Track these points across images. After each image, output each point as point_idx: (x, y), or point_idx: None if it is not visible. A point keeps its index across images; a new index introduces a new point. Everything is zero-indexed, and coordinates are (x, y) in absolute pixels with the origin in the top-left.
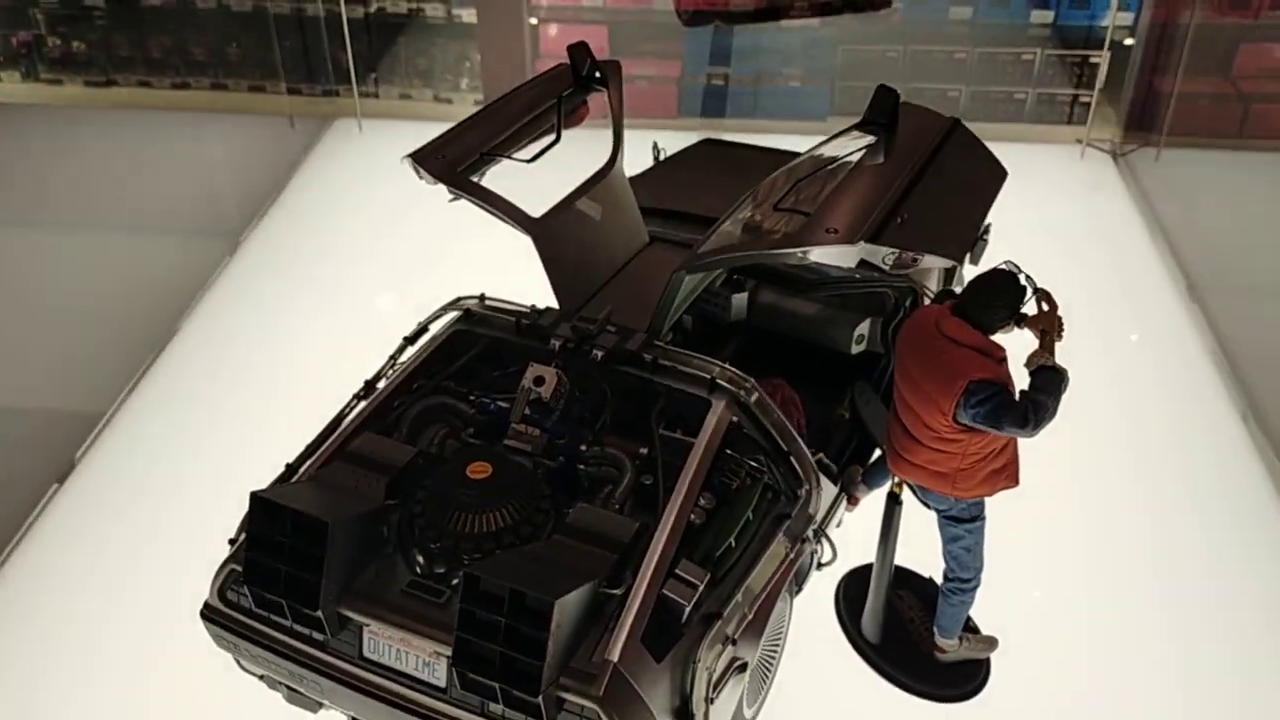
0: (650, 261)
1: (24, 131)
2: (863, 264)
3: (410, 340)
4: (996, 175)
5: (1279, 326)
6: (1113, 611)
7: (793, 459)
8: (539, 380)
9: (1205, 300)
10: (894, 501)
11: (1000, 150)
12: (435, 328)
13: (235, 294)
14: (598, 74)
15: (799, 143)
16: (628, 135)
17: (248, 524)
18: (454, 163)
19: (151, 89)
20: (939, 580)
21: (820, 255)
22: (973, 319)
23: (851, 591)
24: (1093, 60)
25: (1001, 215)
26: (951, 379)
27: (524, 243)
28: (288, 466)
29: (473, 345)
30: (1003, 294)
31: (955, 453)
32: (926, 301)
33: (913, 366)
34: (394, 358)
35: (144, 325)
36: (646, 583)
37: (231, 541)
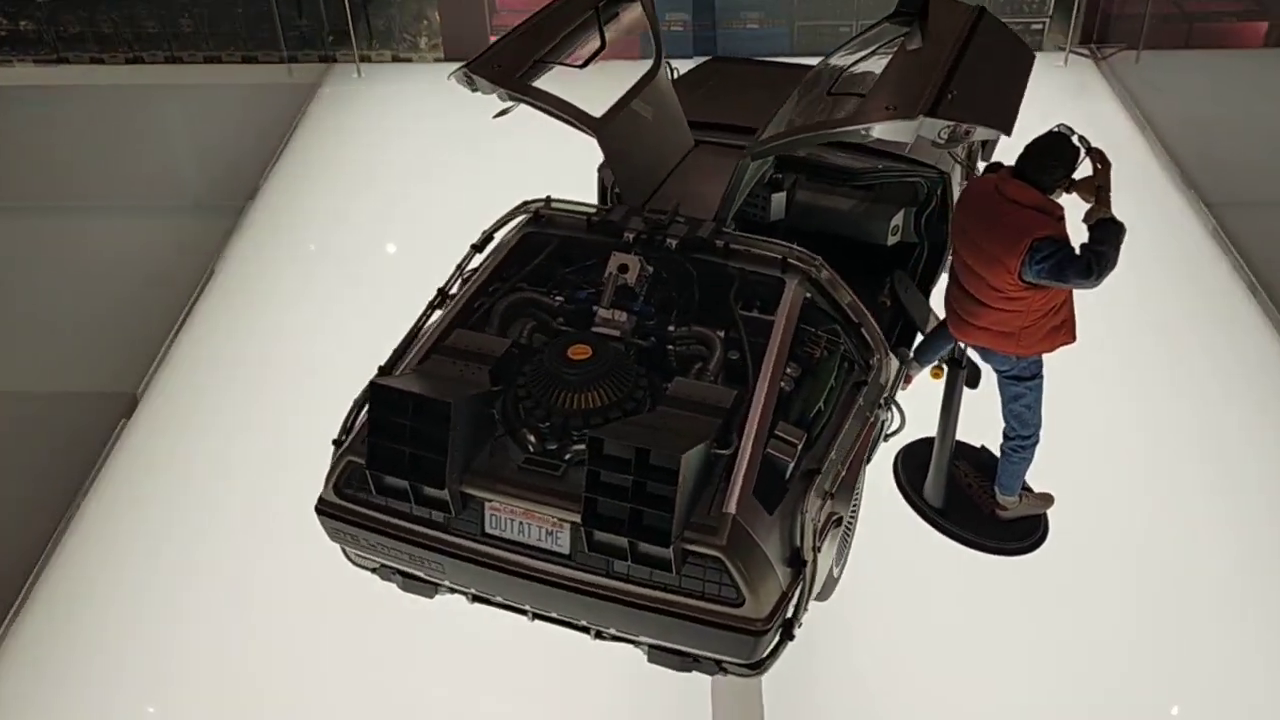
0: (701, 161)
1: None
2: (893, 156)
3: (478, 247)
4: (1025, 56)
5: (1269, 201)
6: (1164, 479)
7: (863, 330)
8: (623, 268)
9: (1199, 185)
10: (956, 366)
11: None
12: (500, 233)
13: (265, 239)
14: None
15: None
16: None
17: (370, 411)
18: (510, 69)
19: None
20: (989, 447)
21: (881, 131)
22: (1032, 180)
23: (909, 462)
24: None
25: None
26: (1016, 238)
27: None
28: (381, 369)
29: (544, 245)
30: (1060, 154)
31: (1020, 310)
32: (955, 189)
33: (975, 232)
34: (461, 265)
35: (183, 271)
36: (752, 442)
37: (336, 442)
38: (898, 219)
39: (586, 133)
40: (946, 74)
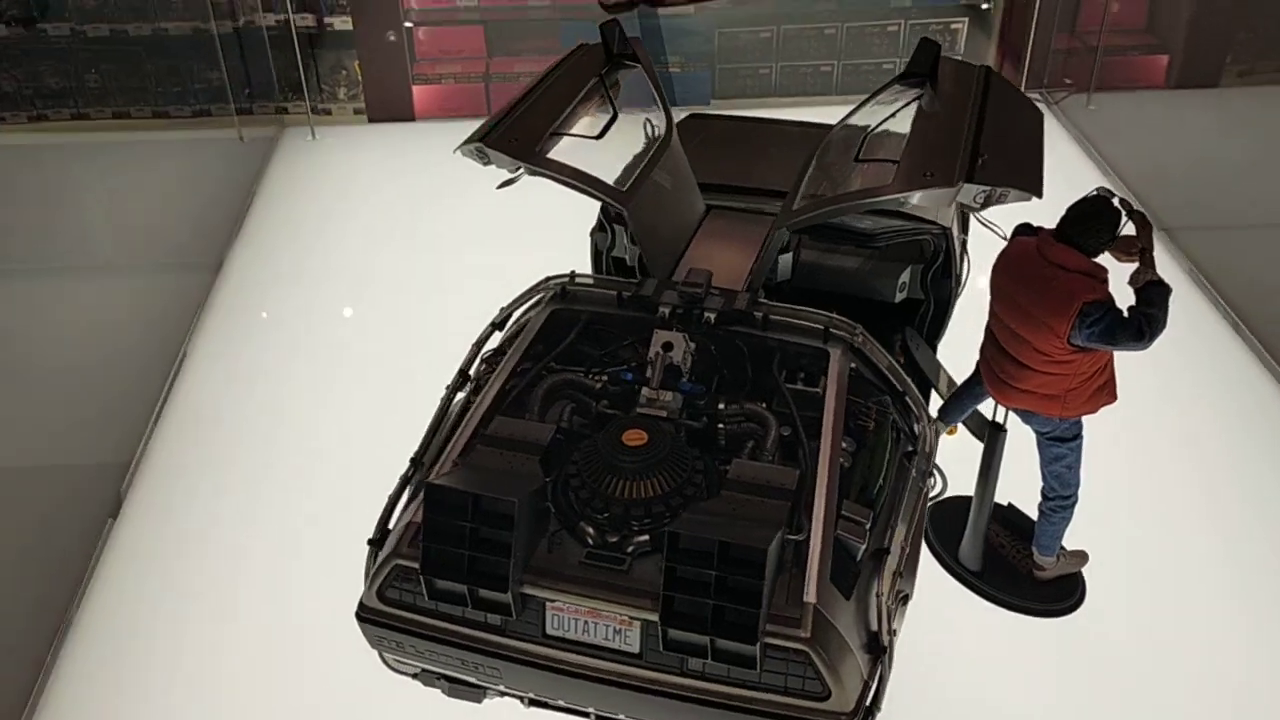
0: (716, 227)
1: None
2: (898, 214)
3: (497, 326)
4: (1035, 114)
5: (1228, 230)
6: (1197, 527)
7: (906, 397)
8: (667, 345)
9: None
10: (998, 429)
11: None
12: (518, 310)
13: (233, 314)
14: (629, 50)
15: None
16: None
17: (425, 514)
18: (528, 143)
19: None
20: (1015, 505)
21: (921, 199)
22: (1077, 243)
23: (939, 522)
24: (953, 27)
25: None
26: (1065, 303)
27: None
28: (414, 460)
29: (572, 323)
30: (1103, 217)
31: (1067, 374)
32: (957, 246)
33: (1020, 296)
34: (479, 345)
35: (152, 358)
36: (823, 525)
37: (372, 542)
38: (904, 276)
39: (614, 207)
40: (975, 137)
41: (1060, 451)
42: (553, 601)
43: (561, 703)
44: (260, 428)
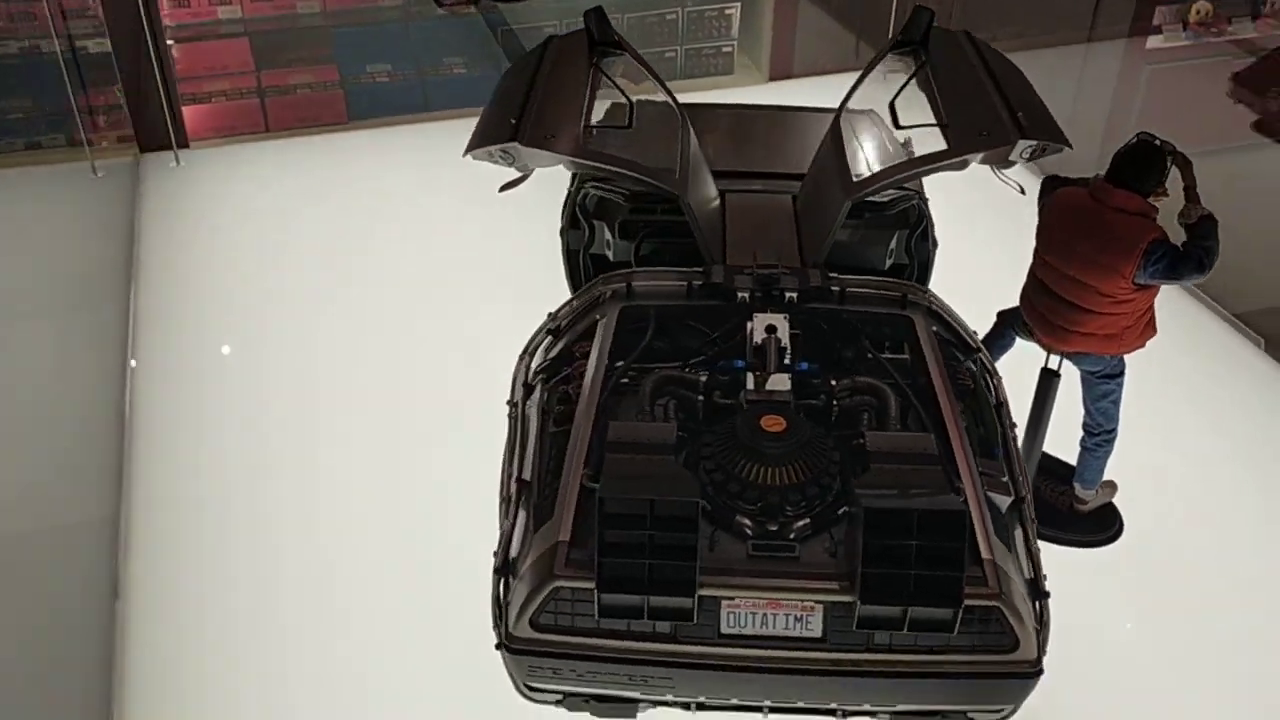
0: (739, 209)
1: None
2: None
3: (554, 334)
4: (1020, 72)
5: None
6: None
7: (980, 354)
8: (771, 328)
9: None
10: (1051, 376)
11: None
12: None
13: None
14: (613, 37)
15: None
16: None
17: (601, 528)
18: (568, 137)
19: None
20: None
21: (983, 158)
22: (1134, 187)
23: None
24: (727, 12)
25: None
26: (1132, 244)
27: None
28: (521, 480)
29: (645, 319)
30: (1154, 159)
31: (1127, 312)
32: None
33: (1081, 244)
34: (531, 353)
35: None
36: (972, 483)
37: (499, 570)
38: (893, 243)
39: (669, 194)
40: (1002, 96)
41: (1109, 388)
42: (729, 599)
43: (734, 701)
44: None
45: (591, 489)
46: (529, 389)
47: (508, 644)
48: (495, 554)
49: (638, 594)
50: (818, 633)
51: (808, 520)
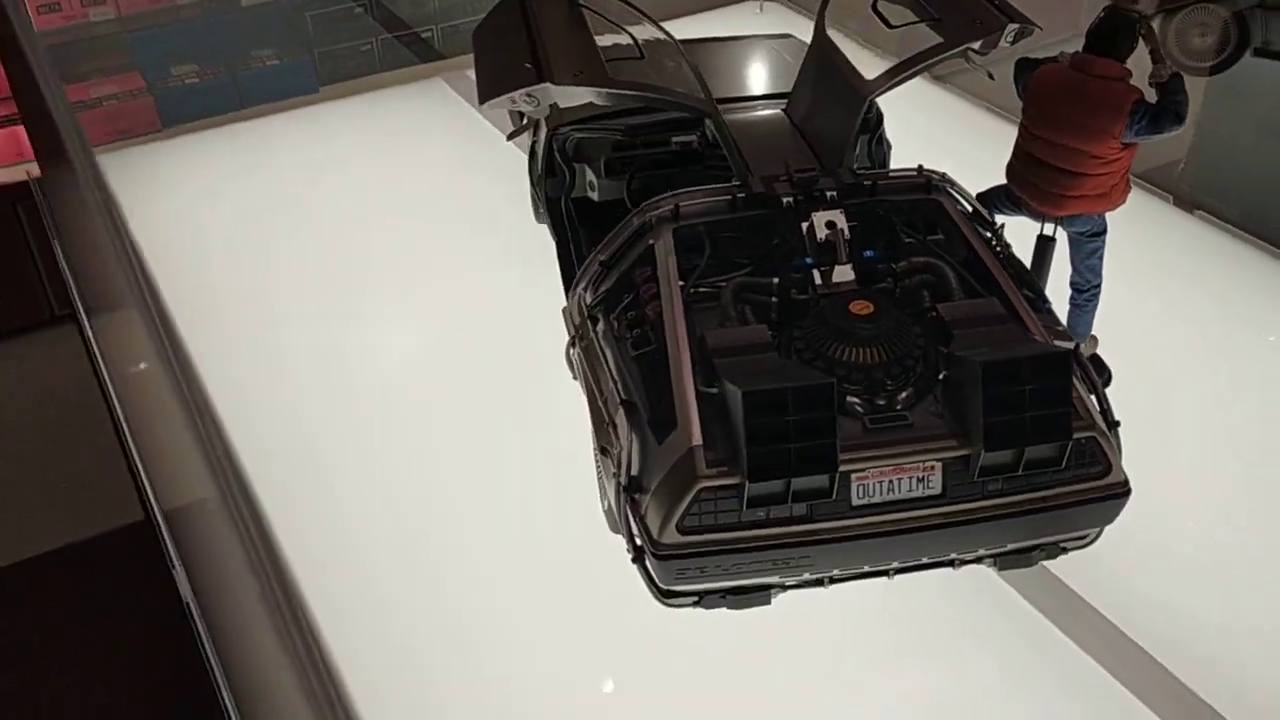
0: (744, 125)
1: None
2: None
3: (607, 265)
4: None
5: None
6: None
7: (997, 225)
8: (830, 224)
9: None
10: (1048, 241)
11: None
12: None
13: None
14: None
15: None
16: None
17: (747, 421)
18: (596, 71)
19: None
20: None
21: (981, 44)
22: (1112, 54)
23: None
24: None
25: None
26: (1120, 105)
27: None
28: (627, 403)
29: (699, 236)
30: (1127, 27)
31: (1115, 170)
32: None
33: (1073, 113)
34: (585, 288)
35: None
36: (1041, 334)
37: (627, 489)
38: (859, 148)
39: (702, 114)
40: None
41: (1096, 244)
42: (859, 472)
43: (866, 568)
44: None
45: (708, 394)
46: (594, 320)
47: (655, 552)
48: (614, 475)
49: (783, 478)
50: (938, 489)
51: (910, 390)
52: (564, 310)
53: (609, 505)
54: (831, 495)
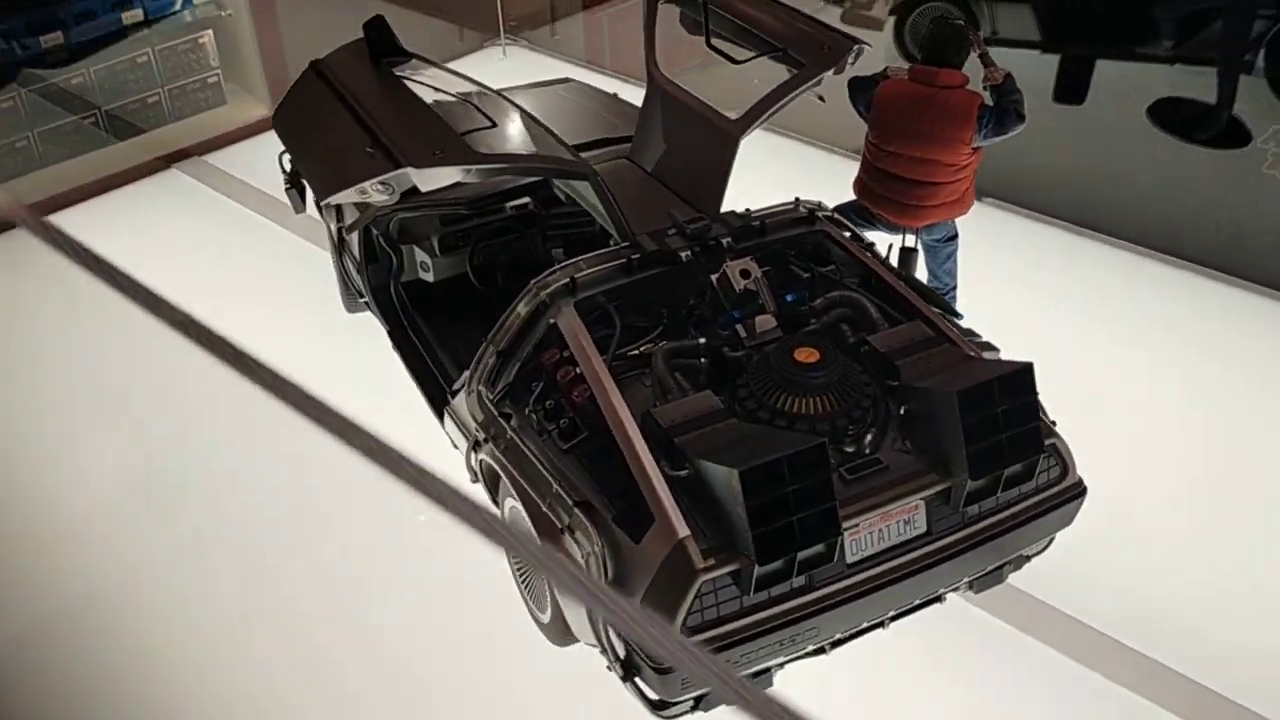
0: (614, 175)
1: None
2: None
3: (504, 355)
4: None
5: None
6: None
7: (872, 243)
8: (745, 273)
9: None
10: (911, 252)
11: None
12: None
13: None
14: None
15: None
16: None
17: (748, 501)
18: (457, 148)
19: None
20: None
21: (834, 70)
22: (952, 63)
23: None
24: (200, 41)
25: None
26: (968, 113)
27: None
28: (586, 504)
29: (603, 308)
30: (959, 36)
31: (965, 176)
32: None
33: (922, 125)
34: (482, 383)
35: None
36: (969, 347)
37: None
38: None
39: (579, 176)
40: (800, 15)
41: (952, 249)
42: (851, 528)
43: (865, 624)
44: None
45: (677, 478)
46: (506, 416)
47: (657, 667)
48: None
49: (789, 553)
50: (924, 527)
51: (874, 431)
52: (446, 411)
53: (550, 618)
54: (832, 559)
